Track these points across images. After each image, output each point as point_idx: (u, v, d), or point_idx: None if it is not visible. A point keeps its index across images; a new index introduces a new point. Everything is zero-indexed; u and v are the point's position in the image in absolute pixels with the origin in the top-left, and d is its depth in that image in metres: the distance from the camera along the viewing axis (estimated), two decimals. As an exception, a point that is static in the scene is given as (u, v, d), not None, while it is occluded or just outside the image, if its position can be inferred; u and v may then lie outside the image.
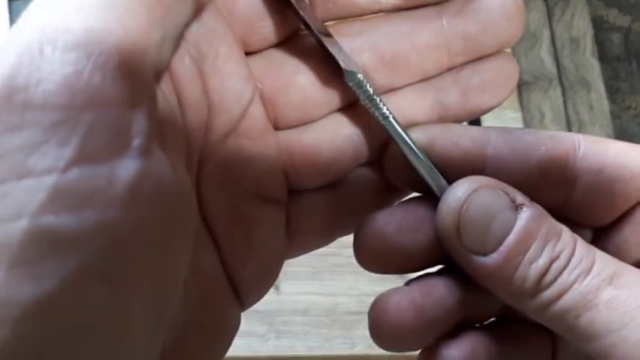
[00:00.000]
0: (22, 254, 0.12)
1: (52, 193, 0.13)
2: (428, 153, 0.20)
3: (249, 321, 0.58)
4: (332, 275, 0.61)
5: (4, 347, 0.12)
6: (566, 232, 0.19)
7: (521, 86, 0.77)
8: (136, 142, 0.14)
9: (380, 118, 0.20)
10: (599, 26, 0.81)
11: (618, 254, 0.20)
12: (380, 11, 0.21)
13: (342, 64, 0.20)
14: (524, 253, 0.19)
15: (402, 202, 0.22)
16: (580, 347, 0.18)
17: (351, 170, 0.22)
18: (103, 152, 0.14)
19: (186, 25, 0.17)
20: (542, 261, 0.19)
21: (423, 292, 0.21)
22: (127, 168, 0.14)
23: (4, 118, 0.13)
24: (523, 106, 0.76)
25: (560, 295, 0.18)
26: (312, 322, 0.60)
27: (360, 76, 0.20)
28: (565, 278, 0.18)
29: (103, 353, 0.13)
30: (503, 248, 0.19)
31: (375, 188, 0.22)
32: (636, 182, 0.20)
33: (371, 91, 0.20)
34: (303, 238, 0.22)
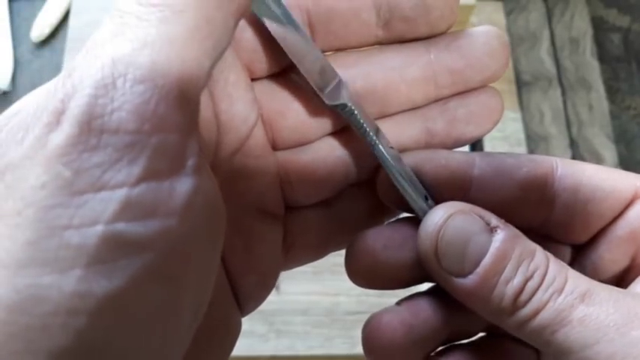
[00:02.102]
0: (97, 255, 0.14)
1: (123, 204, 0.15)
2: (418, 174, 0.22)
3: (250, 321, 0.58)
4: (332, 275, 0.61)
5: (81, 335, 0.14)
6: (539, 252, 0.20)
7: (521, 86, 0.77)
8: (190, 162, 0.16)
9: (369, 145, 0.22)
10: (599, 26, 0.81)
11: (595, 270, 0.21)
12: (375, 44, 0.23)
13: (326, 101, 0.22)
14: (499, 273, 0.20)
15: (392, 221, 0.23)
16: None
17: (343, 188, 0.23)
18: (165, 170, 0.16)
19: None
20: (517, 280, 0.19)
21: (412, 312, 0.22)
22: (184, 184, 0.16)
23: (85, 139, 0.15)
24: (523, 106, 0.76)
25: (536, 313, 0.19)
26: (312, 322, 0.60)
27: (350, 106, 0.22)
28: (539, 297, 0.19)
29: (157, 344, 0.15)
30: (479, 269, 0.20)
31: (367, 208, 0.24)
32: (609, 202, 0.21)
33: (361, 121, 0.22)
34: (298, 252, 0.24)
